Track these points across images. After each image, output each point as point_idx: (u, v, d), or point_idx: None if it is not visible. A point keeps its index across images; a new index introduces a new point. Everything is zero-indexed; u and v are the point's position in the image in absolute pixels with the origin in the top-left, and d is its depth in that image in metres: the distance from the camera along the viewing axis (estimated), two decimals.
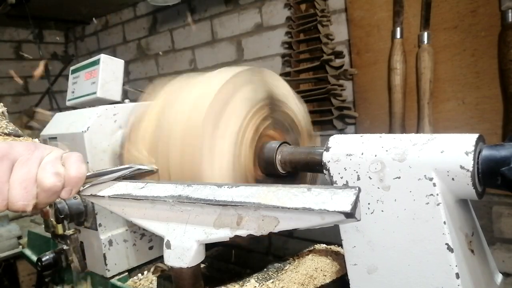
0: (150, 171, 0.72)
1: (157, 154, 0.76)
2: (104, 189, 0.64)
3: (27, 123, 2.82)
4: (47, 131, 1.09)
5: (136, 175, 0.70)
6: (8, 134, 0.66)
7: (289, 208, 0.46)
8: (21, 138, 0.67)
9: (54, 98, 2.96)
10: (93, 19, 2.75)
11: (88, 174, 0.59)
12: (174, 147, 0.73)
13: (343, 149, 0.58)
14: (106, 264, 0.99)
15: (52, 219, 1.02)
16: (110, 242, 1.00)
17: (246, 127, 0.74)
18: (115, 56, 1.11)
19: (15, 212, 0.55)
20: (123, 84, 1.11)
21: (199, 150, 0.69)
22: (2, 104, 0.76)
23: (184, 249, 0.56)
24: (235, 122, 0.73)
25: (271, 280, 0.75)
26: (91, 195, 0.64)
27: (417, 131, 1.48)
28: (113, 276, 1.01)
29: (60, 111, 1.20)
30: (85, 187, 0.63)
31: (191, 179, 0.70)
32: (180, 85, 0.84)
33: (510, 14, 1.26)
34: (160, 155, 0.75)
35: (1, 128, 0.67)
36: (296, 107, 0.88)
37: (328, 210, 0.43)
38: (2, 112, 0.74)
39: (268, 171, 0.78)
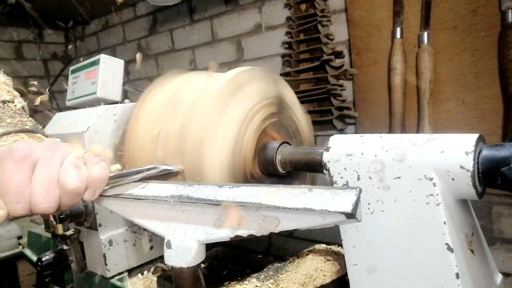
0: (175, 172, 0.69)
1: (163, 123, 0.77)
2: (104, 189, 0.64)
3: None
4: (47, 131, 1.09)
5: (161, 176, 0.67)
6: (29, 131, 0.63)
7: (290, 209, 0.46)
8: (39, 134, 0.64)
9: (54, 98, 2.96)
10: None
11: (111, 175, 0.57)
12: (181, 112, 0.75)
13: (343, 149, 0.58)
14: (106, 264, 0.99)
15: (52, 219, 1.02)
16: (110, 242, 1.00)
17: (254, 114, 0.76)
18: (115, 56, 1.11)
19: (38, 214, 0.54)
20: (123, 84, 1.11)
21: (204, 127, 0.71)
22: (22, 99, 0.73)
23: (185, 249, 0.56)
24: (245, 106, 0.75)
25: (271, 280, 0.75)
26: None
27: (417, 131, 1.48)
28: (113, 276, 1.01)
29: (60, 111, 1.20)
30: (108, 187, 0.60)
31: (191, 144, 0.71)
32: (190, 76, 0.86)
33: (510, 14, 1.26)
34: (165, 121, 0.77)
35: (21, 123, 0.64)
36: (300, 116, 0.89)
37: (329, 211, 0.43)
38: (23, 107, 0.71)
39: (268, 171, 0.78)
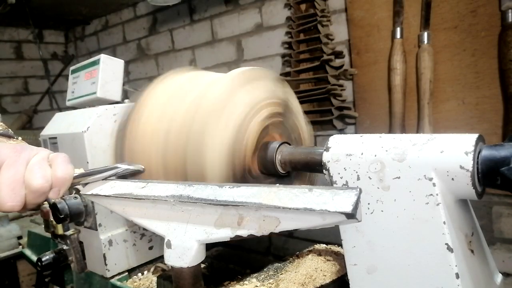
0: (137, 171, 0.73)
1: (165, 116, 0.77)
2: (105, 189, 0.64)
3: (27, 123, 2.82)
4: (47, 131, 1.09)
5: (126, 175, 0.71)
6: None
7: (290, 209, 0.46)
8: (12, 139, 0.66)
9: (54, 98, 2.96)
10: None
11: (75, 174, 0.60)
12: (190, 97, 0.76)
13: (343, 149, 0.58)
14: (106, 264, 0.99)
15: (52, 219, 1.02)
16: (110, 242, 1.00)
17: (262, 106, 0.77)
18: (115, 56, 1.11)
19: (4, 212, 0.57)
20: (123, 84, 1.11)
21: (218, 96, 0.72)
22: None
23: (185, 249, 0.56)
24: (256, 94, 0.76)
25: (271, 280, 0.75)
26: (92, 194, 0.64)
27: (417, 131, 1.48)
28: (113, 276, 1.01)
29: (60, 111, 1.20)
30: (78, 186, 0.64)
31: (197, 125, 0.72)
32: (196, 74, 0.87)
33: (510, 14, 1.26)
34: (167, 116, 0.77)
35: None
36: (303, 124, 0.89)
37: (329, 211, 0.43)
38: None
39: (268, 171, 0.78)
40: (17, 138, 0.67)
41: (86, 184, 0.66)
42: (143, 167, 0.74)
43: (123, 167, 0.71)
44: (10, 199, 0.53)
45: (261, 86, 0.78)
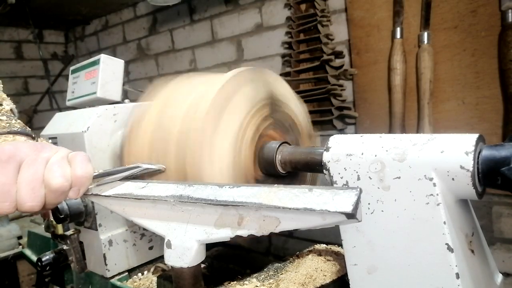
0: (157, 171, 0.71)
1: (156, 153, 0.76)
2: (105, 189, 0.64)
3: (27, 123, 2.82)
4: (47, 131, 1.09)
5: (144, 175, 0.69)
6: (17, 133, 0.64)
7: (290, 209, 0.46)
8: (31, 137, 0.65)
9: (54, 98, 2.96)
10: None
11: (95, 173, 0.59)
12: (173, 145, 0.73)
13: (343, 149, 0.58)
14: (106, 264, 0.99)
15: (52, 219, 1.02)
16: (110, 242, 1.00)
17: (246, 126, 0.74)
18: (115, 56, 1.11)
19: (24, 212, 0.55)
20: (123, 84, 1.11)
21: (199, 150, 0.69)
22: (11, 101, 0.74)
23: (185, 249, 0.56)
24: (236, 120, 0.73)
25: (271, 280, 0.75)
26: (92, 194, 0.64)
27: (417, 131, 1.48)
28: (113, 276, 1.01)
29: (60, 111, 1.20)
30: (93, 186, 0.62)
31: (190, 178, 0.70)
32: (180, 85, 0.84)
33: (510, 14, 1.26)
34: (159, 154, 0.75)
35: (9, 126, 0.65)
36: (296, 108, 0.88)
37: (329, 211, 0.43)
38: (11, 109, 0.72)
39: (268, 171, 0.78)
40: (34, 137, 0.66)
41: (106, 183, 0.64)
42: (164, 167, 0.72)
43: (144, 166, 0.69)
44: (30, 199, 0.52)
45: (239, 103, 0.74)
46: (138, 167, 0.68)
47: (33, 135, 0.66)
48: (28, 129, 0.67)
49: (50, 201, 0.54)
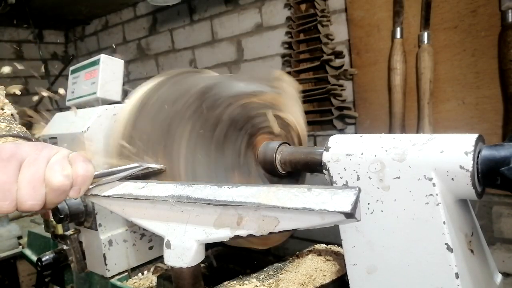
0: (158, 170, 0.71)
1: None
2: (104, 189, 0.64)
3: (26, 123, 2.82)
4: (47, 131, 1.09)
5: (145, 174, 0.69)
6: (17, 136, 0.65)
7: (289, 208, 0.46)
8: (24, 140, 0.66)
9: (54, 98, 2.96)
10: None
11: (96, 173, 0.59)
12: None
13: (343, 149, 0.58)
14: (106, 264, 0.99)
15: (52, 219, 1.02)
16: (110, 242, 1.00)
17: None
18: (115, 56, 1.11)
19: (24, 212, 0.55)
20: (123, 84, 1.11)
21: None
22: (12, 106, 0.75)
23: (184, 249, 0.56)
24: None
25: (271, 280, 0.75)
26: (91, 194, 0.64)
27: (417, 131, 1.48)
28: (113, 276, 1.01)
29: (60, 111, 1.20)
30: (92, 186, 0.62)
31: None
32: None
33: (510, 14, 1.26)
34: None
35: (9, 129, 0.66)
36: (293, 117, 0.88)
37: (328, 210, 0.43)
38: (12, 114, 0.73)
39: (268, 171, 0.78)
40: (34, 141, 0.67)
41: (107, 183, 0.64)
42: (165, 166, 0.72)
43: (144, 165, 0.69)
44: (30, 198, 0.52)
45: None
46: (139, 166, 0.68)
47: (33, 140, 0.67)
48: (29, 133, 0.67)
49: (51, 200, 0.54)
